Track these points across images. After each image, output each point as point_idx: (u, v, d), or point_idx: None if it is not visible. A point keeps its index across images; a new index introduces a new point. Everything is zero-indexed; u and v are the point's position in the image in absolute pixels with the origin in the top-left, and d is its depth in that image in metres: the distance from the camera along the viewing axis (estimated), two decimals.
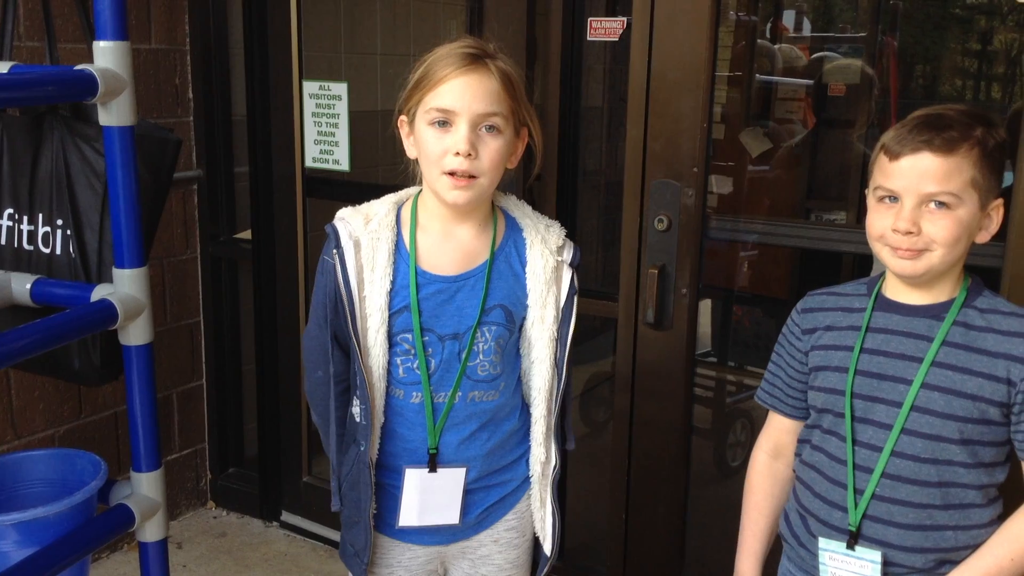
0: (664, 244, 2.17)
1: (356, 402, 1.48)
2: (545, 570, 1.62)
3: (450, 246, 1.45)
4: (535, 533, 1.62)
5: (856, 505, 1.38)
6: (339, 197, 3.00)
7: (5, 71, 1.55)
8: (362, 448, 1.46)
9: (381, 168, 3.44)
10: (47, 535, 1.50)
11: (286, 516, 3.08)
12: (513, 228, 1.50)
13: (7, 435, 2.56)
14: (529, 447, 1.56)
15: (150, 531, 1.66)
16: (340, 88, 2.77)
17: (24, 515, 1.48)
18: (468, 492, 1.51)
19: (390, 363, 1.44)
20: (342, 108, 2.77)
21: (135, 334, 1.59)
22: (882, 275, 1.46)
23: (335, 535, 2.95)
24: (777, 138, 3.48)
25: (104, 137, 1.55)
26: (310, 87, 2.80)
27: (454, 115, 1.36)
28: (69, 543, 1.50)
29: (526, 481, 1.58)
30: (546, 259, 1.47)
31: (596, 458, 2.70)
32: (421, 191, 1.49)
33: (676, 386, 2.24)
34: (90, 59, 1.58)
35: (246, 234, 3.03)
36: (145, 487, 1.66)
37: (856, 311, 1.45)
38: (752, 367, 3.31)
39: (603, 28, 2.29)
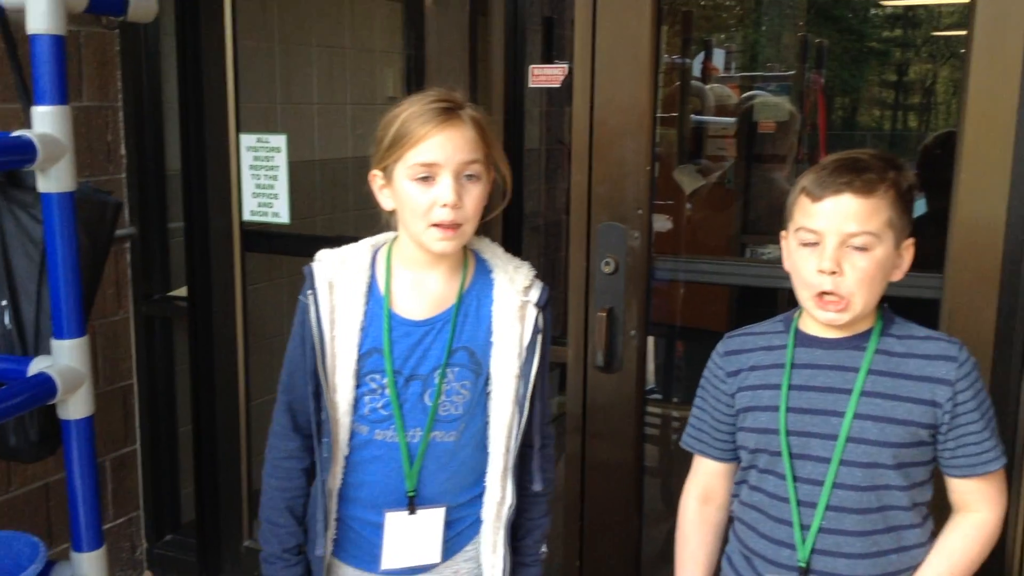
0: (611, 287, 2.18)
1: (322, 440, 1.49)
2: None
3: (420, 291, 1.49)
4: None
5: (804, 541, 1.41)
6: (278, 250, 2.96)
7: None
8: (324, 480, 1.48)
9: (320, 218, 3.39)
10: None
11: None
12: (483, 270, 1.53)
13: None
14: (486, 486, 1.55)
15: None
16: (279, 140, 2.73)
17: None
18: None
19: (357, 401, 1.47)
20: (281, 160, 2.73)
21: (75, 407, 1.52)
22: (797, 311, 1.50)
23: None
24: (709, 174, 3.56)
25: (42, 204, 1.49)
26: (247, 140, 2.74)
27: (438, 168, 1.40)
28: None
29: (479, 520, 1.57)
30: (510, 299, 1.49)
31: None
32: (397, 237, 1.52)
33: (627, 428, 2.24)
34: (26, 121, 1.52)
35: (181, 291, 2.94)
36: (87, 567, 1.57)
37: (777, 348, 1.49)
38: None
39: (545, 75, 2.31)
